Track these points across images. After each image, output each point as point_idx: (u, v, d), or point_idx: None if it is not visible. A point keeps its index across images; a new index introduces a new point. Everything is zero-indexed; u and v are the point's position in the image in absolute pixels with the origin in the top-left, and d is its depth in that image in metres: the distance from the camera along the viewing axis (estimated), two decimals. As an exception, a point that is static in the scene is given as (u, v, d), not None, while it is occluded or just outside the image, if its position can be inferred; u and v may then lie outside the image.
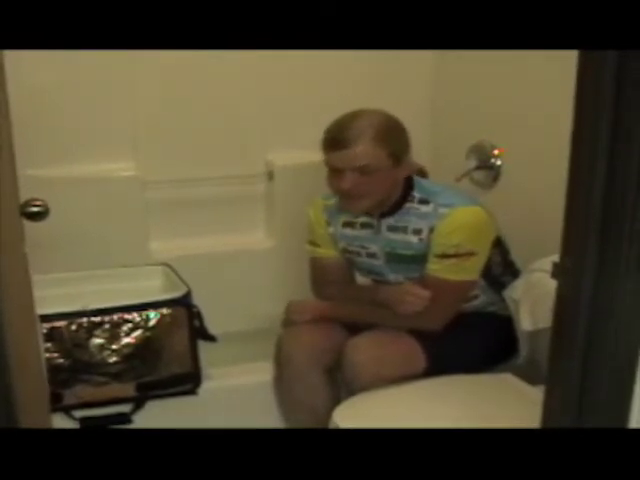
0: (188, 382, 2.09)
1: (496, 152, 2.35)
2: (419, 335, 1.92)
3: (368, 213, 1.99)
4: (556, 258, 1.06)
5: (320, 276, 2.13)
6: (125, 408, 2.05)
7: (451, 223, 1.87)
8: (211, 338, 2.16)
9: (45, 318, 1.88)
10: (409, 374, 1.89)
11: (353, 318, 2.02)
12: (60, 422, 1.95)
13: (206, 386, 2.11)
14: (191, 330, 2.07)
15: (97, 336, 1.98)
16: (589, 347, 1.01)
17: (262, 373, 2.15)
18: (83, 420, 2.00)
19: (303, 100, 2.48)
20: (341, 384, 2.00)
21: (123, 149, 2.41)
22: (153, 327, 2.02)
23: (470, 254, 1.87)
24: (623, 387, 1.02)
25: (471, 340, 1.96)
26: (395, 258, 1.99)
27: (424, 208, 1.92)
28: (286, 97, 2.49)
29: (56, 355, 1.95)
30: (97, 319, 1.98)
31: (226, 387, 2.16)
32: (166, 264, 2.35)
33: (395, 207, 1.95)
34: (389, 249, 1.99)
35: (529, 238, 2.04)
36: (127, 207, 2.40)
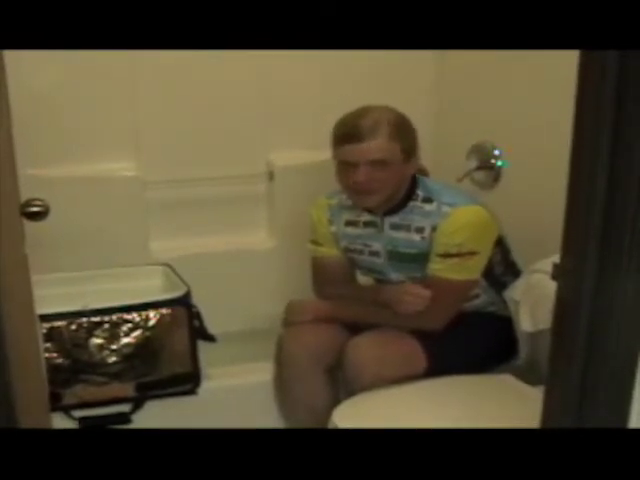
0: (188, 382, 2.09)
1: (497, 152, 2.35)
2: (420, 335, 1.92)
3: (372, 211, 1.99)
4: (556, 259, 1.06)
5: (321, 275, 2.13)
6: (125, 408, 2.04)
7: (454, 222, 1.87)
8: (211, 338, 2.16)
9: (45, 318, 1.88)
10: (410, 374, 1.89)
11: (354, 318, 2.02)
12: (59, 422, 1.95)
13: (206, 386, 2.11)
14: (191, 330, 2.07)
15: (97, 336, 1.98)
16: (589, 348, 1.01)
17: (262, 373, 2.14)
18: (82, 420, 2.00)
19: (304, 100, 2.48)
20: (341, 384, 1.99)
21: (124, 149, 2.41)
22: (153, 327, 2.02)
23: (472, 253, 1.87)
24: (623, 388, 1.02)
25: (471, 340, 1.96)
26: (397, 257, 1.99)
27: (427, 207, 1.92)
28: (287, 97, 2.49)
29: (56, 355, 1.95)
30: (97, 319, 1.98)
31: (226, 387, 2.15)
32: (166, 264, 2.35)
33: (400, 205, 1.95)
34: (391, 247, 1.99)
35: (529, 238, 2.04)
36: (127, 207, 2.40)
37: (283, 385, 2.07)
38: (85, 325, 1.98)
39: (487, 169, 2.37)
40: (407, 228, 1.95)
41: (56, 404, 1.92)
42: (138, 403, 2.05)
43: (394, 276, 2.03)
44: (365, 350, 1.89)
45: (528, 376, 1.90)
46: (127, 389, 2.03)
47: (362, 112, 1.86)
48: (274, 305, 2.23)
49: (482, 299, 2.03)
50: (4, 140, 1.22)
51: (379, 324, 1.96)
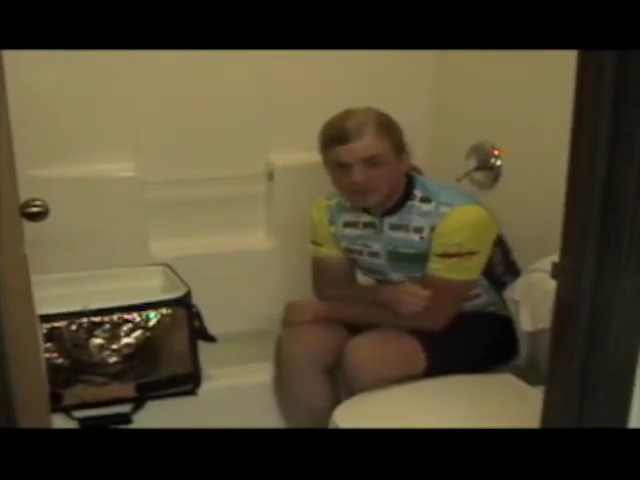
0: (188, 382, 2.09)
1: (496, 152, 2.35)
2: (419, 335, 1.92)
3: (370, 212, 1.99)
4: (556, 258, 1.06)
5: (322, 276, 2.13)
6: (125, 408, 2.04)
7: (452, 222, 1.87)
8: (211, 338, 2.16)
9: (45, 318, 1.88)
10: (409, 374, 1.89)
11: (353, 318, 2.02)
12: (60, 422, 1.95)
13: (206, 386, 2.11)
14: (191, 330, 2.07)
15: (97, 336, 1.98)
16: (589, 347, 1.01)
17: (262, 373, 2.14)
18: (83, 420, 2.00)
19: (303, 100, 2.48)
20: (341, 384, 1.99)
21: (123, 149, 2.41)
22: (153, 327, 2.02)
23: (471, 253, 1.87)
24: (623, 386, 1.02)
25: (471, 340, 1.96)
26: (397, 257, 1.99)
27: (425, 206, 1.92)
28: (286, 98, 2.49)
29: (56, 355, 1.95)
30: (97, 319, 1.98)
31: (226, 387, 2.15)
32: (166, 264, 2.35)
33: (398, 205, 1.95)
34: (391, 248, 1.99)
35: (529, 238, 2.04)
36: (127, 207, 2.40)
37: (283, 385, 2.07)
38: (85, 325, 1.98)
39: (486, 169, 2.37)
40: (406, 228, 1.95)
41: (56, 404, 1.92)
42: (138, 403, 2.05)
43: (394, 276, 2.03)
44: (365, 350, 1.89)
45: (528, 376, 1.90)
46: (127, 389, 2.03)
47: (346, 114, 1.88)
48: (274, 305, 2.23)
49: (483, 299, 2.03)
50: (3, 140, 1.22)
51: (379, 324, 1.96)
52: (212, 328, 2.16)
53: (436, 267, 1.90)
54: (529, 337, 1.88)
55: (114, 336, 1.99)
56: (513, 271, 2.01)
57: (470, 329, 1.97)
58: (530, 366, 1.93)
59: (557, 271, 1.05)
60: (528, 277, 1.86)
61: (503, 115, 2.29)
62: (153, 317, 2.02)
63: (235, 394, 2.15)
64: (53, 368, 1.90)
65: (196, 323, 2.10)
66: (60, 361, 1.96)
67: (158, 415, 2.05)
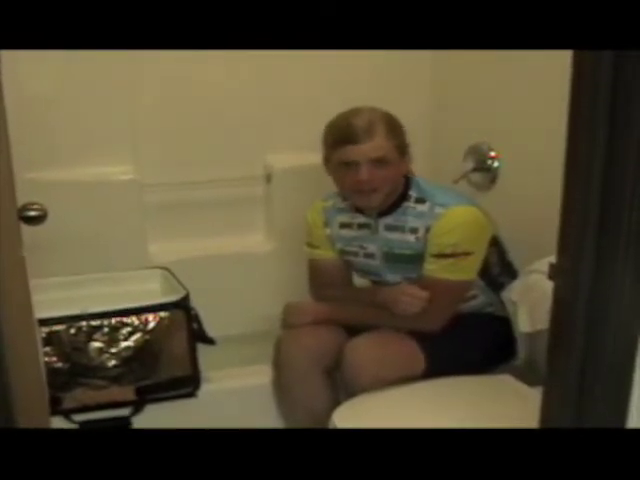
0: (187, 385, 2.09)
1: (493, 154, 2.35)
2: (418, 336, 1.92)
3: (365, 213, 1.99)
4: (553, 259, 1.06)
5: (318, 278, 2.13)
6: (124, 412, 2.04)
7: (447, 223, 1.87)
8: (210, 341, 2.16)
9: (44, 322, 1.88)
10: (408, 375, 1.89)
11: (352, 320, 2.02)
12: (59, 426, 1.95)
13: (205, 389, 2.11)
14: (190, 333, 2.07)
15: (96, 340, 1.98)
16: (587, 347, 1.02)
17: (261, 376, 2.14)
18: (82, 424, 2.00)
19: (301, 102, 2.49)
20: (340, 385, 1.99)
21: (121, 152, 2.41)
22: (152, 330, 2.02)
23: (467, 254, 1.88)
24: (621, 386, 1.02)
25: (470, 341, 1.96)
26: (393, 258, 1.99)
27: (420, 207, 1.93)
28: (284, 99, 2.49)
29: (55, 359, 1.95)
30: (96, 323, 1.98)
31: (225, 390, 2.15)
32: (164, 267, 2.35)
33: (394, 206, 1.96)
34: (387, 249, 1.99)
35: (527, 239, 2.04)
36: (125, 210, 2.41)
37: (282, 387, 2.07)
38: (84, 329, 1.98)
39: (483, 170, 2.37)
40: (402, 229, 1.95)
41: (56, 408, 1.92)
42: (138, 407, 2.05)
43: (390, 277, 2.03)
44: (363, 352, 1.89)
45: (527, 376, 1.90)
46: (127, 392, 2.03)
47: (354, 113, 1.88)
48: (272, 307, 2.23)
49: (480, 300, 2.03)
50: (1, 144, 1.21)
51: (377, 326, 1.96)
52: (211, 330, 2.16)
53: (432, 268, 1.90)
54: (527, 338, 1.88)
55: (113, 339, 1.99)
56: (509, 272, 2.01)
57: (468, 330, 1.97)
58: (529, 367, 1.93)
59: (554, 272, 1.05)
60: (526, 278, 1.87)
61: (501, 116, 2.29)
62: (152, 320, 2.02)
63: (234, 396, 2.15)
64: (52, 372, 1.90)
65: (195, 326, 2.10)
66: (59, 365, 1.96)
67: (158, 418, 2.05)
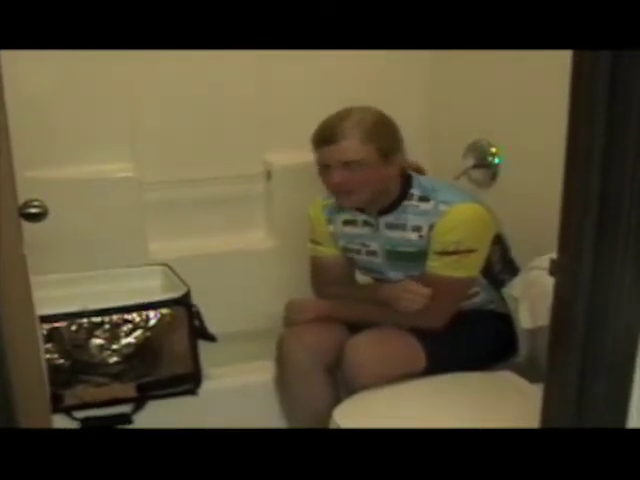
0: (188, 382, 2.09)
1: (493, 150, 2.35)
2: (419, 334, 1.92)
3: (365, 212, 1.99)
4: (554, 255, 1.06)
5: (320, 275, 2.13)
6: (126, 408, 2.05)
7: (450, 220, 1.87)
8: (211, 338, 2.16)
9: (45, 319, 1.88)
10: (409, 373, 1.89)
11: (353, 317, 2.02)
12: (61, 423, 1.95)
13: (206, 386, 2.11)
14: (191, 330, 2.08)
15: (97, 336, 1.98)
16: (587, 345, 1.02)
17: (262, 373, 2.15)
18: (84, 421, 2.01)
19: (301, 100, 2.48)
20: (341, 383, 1.99)
21: (121, 150, 2.41)
22: (153, 327, 2.02)
23: (470, 251, 1.87)
24: (621, 382, 1.02)
25: (471, 339, 1.96)
26: (395, 256, 1.99)
27: (424, 205, 1.92)
28: (284, 97, 2.49)
29: (56, 356, 1.95)
30: (97, 319, 1.99)
31: (226, 387, 2.16)
32: (165, 264, 2.35)
33: (393, 205, 1.96)
34: (390, 247, 1.99)
35: (527, 236, 2.04)
36: (126, 208, 2.40)
37: (284, 385, 2.07)
38: (85, 326, 1.98)
39: (484, 167, 2.37)
40: (402, 227, 1.95)
41: (57, 405, 1.93)
42: (139, 404, 2.05)
43: (392, 275, 2.03)
44: (364, 349, 1.89)
45: (528, 373, 1.90)
46: (128, 389, 2.03)
47: (341, 114, 1.88)
48: (273, 304, 2.23)
49: (481, 297, 2.03)
50: (2, 142, 1.21)
51: (379, 323, 1.96)
52: (212, 327, 2.16)
53: (435, 265, 1.90)
54: (529, 335, 1.88)
55: (114, 336, 1.99)
56: (511, 269, 2.01)
57: (469, 328, 1.97)
58: (530, 363, 1.93)
59: (555, 268, 1.05)
60: (527, 275, 1.87)
61: (501, 113, 2.29)
62: (153, 317, 2.02)
63: (235, 393, 2.15)
64: (53, 369, 1.90)
65: (196, 323, 2.10)
66: (60, 362, 1.96)
67: (159, 415, 2.06)
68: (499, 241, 1.98)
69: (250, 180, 2.56)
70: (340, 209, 2.06)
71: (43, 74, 2.22)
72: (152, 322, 2.02)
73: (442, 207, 1.89)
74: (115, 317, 2.00)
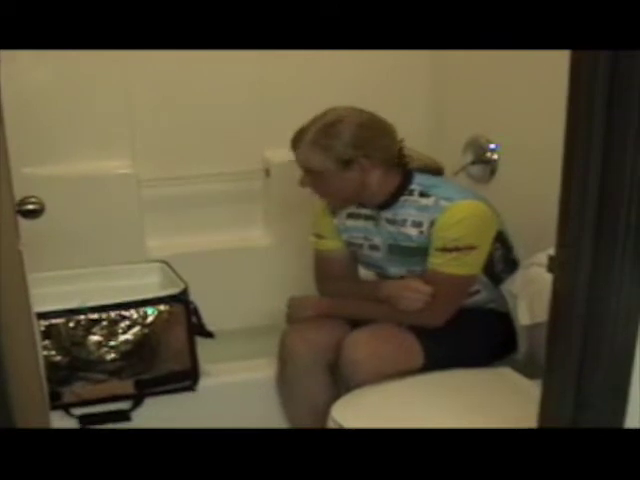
0: (186, 379, 2.09)
1: (492, 146, 2.34)
2: (417, 332, 1.91)
3: (366, 206, 1.99)
4: (552, 252, 1.06)
5: (323, 269, 2.12)
6: (124, 405, 2.05)
7: (451, 217, 1.87)
8: (209, 335, 2.16)
9: (43, 316, 1.88)
10: (406, 370, 1.88)
11: (355, 315, 2.01)
12: (59, 420, 1.95)
13: (204, 383, 2.11)
14: (189, 327, 2.07)
15: (95, 333, 1.98)
16: (585, 341, 1.02)
17: (260, 370, 2.15)
18: (82, 418, 2.00)
19: (300, 97, 2.47)
20: (339, 380, 1.99)
21: (119, 146, 2.40)
22: (151, 324, 2.02)
23: (470, 248, 1.87)
24: (620, 378, 1.02)
25: (469, 339, 1.95)
26: (397, 250, 1.98)
27: (424, 201, 1.92)
28: (283, 94, 2.48)
29: (54, 353, 1.95)
30: (95, 316, 1.98)
31: (224, 384, 2.15)
32: (163, 261, 2.35)
33: (390, 201, 1.95)
34: (392, 241, 1.98)
35: (525, 232, 2.04)
36: (123, 205, 2.40)
37: (285, 381, 2.07)
38: (83, 322, 1.97)
39: (483, 163, 2.37)
40: (402, 223, 1.94)
41: (55, 402, 1.92)
42: (137, 400, 2.05)
43: (392, 270, 2.02)
44: (362, 346, 1.88)
45: (526, 369, 1.90)
46: (126, 386, 2.03)
47: (316, 117, 1.91)
48: (271, 301, 2.23)
49: (482, 295, 2.02)
50: (-1, 139, 1.21)
51: (380, 320, 1.96)
52: (210, 324, 2.17)
53: (436, 262, 1.90)
54: (527, 331, 1.88)
55: (112, 333, 1.99)
56: (513, 269, 2.00)
57: (468, 327, 1.95)
58: (528, 360, 1.93)
59: (553, 264, 1.05)
60: (525, 271, 1.87)
61: (499, 109, 2.28)
62: (151, 314, 2.02)
63: (233, 390, 2.15)
64: (51, 366, 1.90)
65: (194, 319, 2.10)
66: (58, 359, 1.96)
67: (157, 412, 2.06)
68: (501, 239, 1.97)
69: (249, 177, 2.56)
70: None
71: (41, 70, 2.21)
72: (150, 319, 2.02)
73: (443, 203, 1.89)
74: (113, 314, 1.99)
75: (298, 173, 2.46)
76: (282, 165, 2.52)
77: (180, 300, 2.06)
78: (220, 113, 2.45)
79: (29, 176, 2.01)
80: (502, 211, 2.00)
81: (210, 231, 2.57)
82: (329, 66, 2.44)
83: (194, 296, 2.11)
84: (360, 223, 2.04)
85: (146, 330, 2.01)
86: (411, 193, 1.94)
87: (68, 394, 1.98)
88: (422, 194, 1.93)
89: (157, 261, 2.37)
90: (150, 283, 2.31)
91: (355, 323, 2.00)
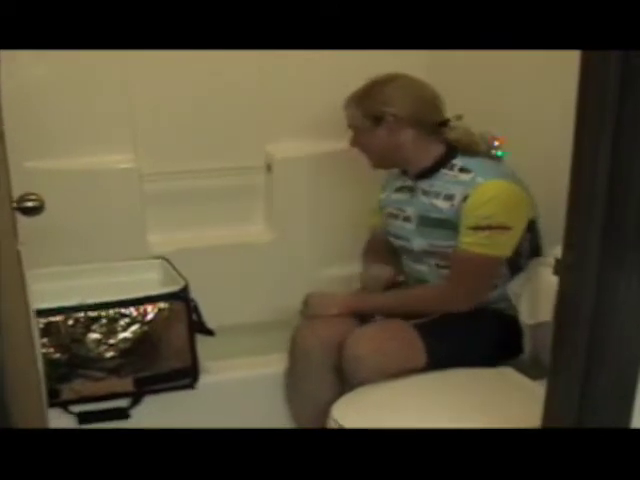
0: (186, 376, 2.08)
1: (497, 143, 2.32)
2: (422, 330, 1.90)
3: (406, 173, 2.05)
4: (558, 250, 1.05)
5: (367, 242, 2.25)
6: (123, 403, 2.04)
7: (483, 194, 1.85)
8: (209, 332, 2.15)
9: (42, 313, 1.87)
10: (409, 368, 1.87)
11: (378, 310, 2.03)
12: (58, 417, 1.94)
13: (204, 380, 2.10)
14: (189, 324, 2.06)
15: (94, 331, 1.97)
16: (591, 344, 1.01)
17: (261, 367, 2.15)
18: (81, 415, 2.00)
19: (302, 92, 2.46)
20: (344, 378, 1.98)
21: (121, 141, 2.39)
22: (151, 321, 2.01)
23: (504, 228, 1.85)
24: (626, 382, 1.01)
25: (474, 341, 1.92)
26: (426, 222, 1.98)
27: (463, 176, 1.91)
28: (285, 89, 2.47)
29: (53, 350, 1.94)
30: (94, 314, 1.97)
31: (224, 381, 2.15)
32: (163, 258, 2.34)
33: (430, 170, 1.98)
34: (423, 212, 1.99)
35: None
36: (125, 200, 2.39)
37: (295, 378, 2.07)
38: (82, 320, 1.96)
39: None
40: (435, 195, 1.95)
41: (54, 399, 1.92)
42: (137, 398, 2.04)
43: (417, 242, 2.01)
44: (365, 344, 1.87)
45: (530, 370, 1.89)
46: (125, 384, 2.02)
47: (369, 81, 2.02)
48: (273, 298, 2.22)
49: (497, 292, 1.98)
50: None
51: (405, 314, 1.95)
52: (210, 321, 2.16)
53: (467, 240, 1.87)
54: (531, 331, 1.87)
55: (111, 330, 1.98)
56: None
57: (474, 327, 1.93)
58: (531, 360, 1.92)
59: (560, 267, 1.04)
60: (531, 271, 1.86)
61: (499, 109, 2.27)
62: (151, 311, 2.01)
63: (233, 387, 2.14)
64: (50, 363, 1.89)
65: (194, 317, 2.09)
66: (57, 356, 1.95)
67: (156, 409, 2.05)
68: (533, 230, 1.95)
69: (251, 172, 2.54)
70: (397, 176, 2.11)
71: (41, 64, 2.19)
72: (150, 316, 2.01)
73: (479, 179, 1.88)
74: (112, 311, 1.98)
75: (300, 168, 2.48)
76: (284, 161, 2.52)
77: (180, 297, 2.05)
78: (222, 108, 2.44)
79: (30, 170, 2.00)
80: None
81: (211, 227, 2.55)
82: (330, 62, 2.41)
83: (195, 291, 2.10)
84: (399, 196, 2.09)
85: (146, 328, 2.00)
86: (452, 168, 1.95)
87: (67, 391, 1.98)
88: (462, 169, 1.93)
89: (158, 258, 2.35)
90: (150, 280, 2.30)
91: (365, 320, 2.00)
